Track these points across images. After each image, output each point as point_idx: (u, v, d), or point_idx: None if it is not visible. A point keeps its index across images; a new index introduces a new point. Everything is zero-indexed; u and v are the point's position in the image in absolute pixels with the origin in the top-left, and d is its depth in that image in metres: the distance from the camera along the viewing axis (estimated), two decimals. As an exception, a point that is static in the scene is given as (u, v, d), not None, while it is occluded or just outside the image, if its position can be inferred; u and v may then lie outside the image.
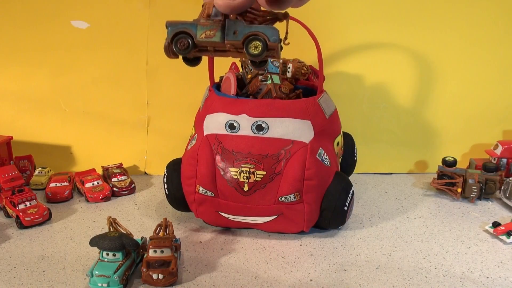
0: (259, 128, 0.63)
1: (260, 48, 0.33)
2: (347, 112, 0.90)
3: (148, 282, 0.54)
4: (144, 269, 0.53)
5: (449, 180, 0.81)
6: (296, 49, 0.85)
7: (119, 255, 0.54)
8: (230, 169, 0.62)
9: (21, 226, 0.68)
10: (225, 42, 0.33)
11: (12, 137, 0.85)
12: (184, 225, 0.71)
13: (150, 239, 0.57)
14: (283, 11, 0.34)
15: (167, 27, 0.33)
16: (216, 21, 0.33)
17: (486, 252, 0.63)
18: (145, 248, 0.59)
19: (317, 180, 0.62)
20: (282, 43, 0.35)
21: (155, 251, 0.55)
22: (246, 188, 0.62)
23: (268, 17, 0.35)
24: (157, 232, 0.59)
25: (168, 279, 0.53)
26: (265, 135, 0.63)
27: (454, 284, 0.55)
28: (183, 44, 0.34)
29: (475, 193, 0.79)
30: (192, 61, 0.36)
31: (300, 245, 0.65)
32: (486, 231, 0.69)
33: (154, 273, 0.53)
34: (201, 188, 0.64)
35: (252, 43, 0.33)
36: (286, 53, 0.78)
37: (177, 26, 0.34)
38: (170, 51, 0.34)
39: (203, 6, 0.34)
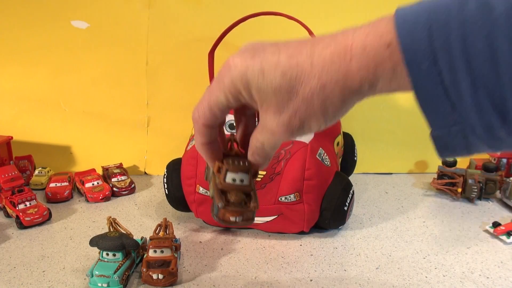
0: (259, 128, 0.63)
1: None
2: (347, 112, 0.90)
3: (148, 282, 0.54)
4: (144, 269, 0.53)
5: (449, 180, 0.81)
6: (296, 49, 0.85)
7: (119, 255, 0.54)
8: (230, 169, 0.62)
9: (21, 226, 0.68)
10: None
11: (12, 137, 0.85)
12: (184, 225, 0.71)
13: (150, 239, 0.57)
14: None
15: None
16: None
17: (486, 252, 0.63)
18: (145, 248, 0.59)
19: (317, 180, 0.62)
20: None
21: (155, 251, 0.55)
22: (246, 188, 0.62)
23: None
24: (157, 232, 0.59)
25: (168, 279, 0.53)
26: (265, 135, 0.63)
27: (454, 284, 0.55)
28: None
29: (475, 193, 0.79)
30: None
31: (300, 245, 0.65)
32: (486, 231, 0.69)
33: (154, 273, 0.53)
34: (201, 188, 0.64)
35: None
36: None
37: None
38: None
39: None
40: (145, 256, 0.55)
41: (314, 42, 0.28)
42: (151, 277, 0.53)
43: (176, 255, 0.56)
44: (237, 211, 0.35)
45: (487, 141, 0.25)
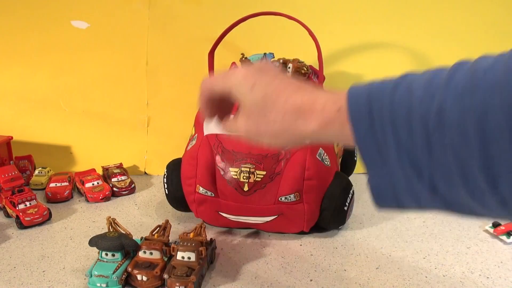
0: (259, 128, 0.63)
1: None
2: (347, 112, 0.90)
3: (133, 282, 0.53)
4: (129, 269, 0.53)
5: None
6: (296, 49, 0.85)
7: (118, 255, 0.54)
8: (230, 169, 0.62)
9: (21, 226, 0.68)
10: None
11: (12, 137, 0.85)
12: (184, 225, 0.71)
13: (145, 239, 0.57)
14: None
15: None
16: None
17: (486, 252, 0.63)
18: (144, 248, 0.58)
19: (317, 180, 0.62)
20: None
21: (144, 252, 0.55)
22: (246, 188, 0.62)
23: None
24: (153, 233, 0.59)
25: (152, 281, 0.52)
26: (265, 135, 0.63)
27: (454, 284, 0.55)
28: None
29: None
30: None
31: (300, 245, 0.65)
32: (486, 231, 0.69)
33: (139, 274, 0.52)
34: (201, 188, 0.64)
35: None
36: (286, 53, 0.78)
37: None
38: None
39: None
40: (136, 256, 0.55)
41: (298, 89, 0.36)
42: (136, 277, 0.52)
43: (165, 259, 0.55)
44: (180, 282, 0.50)
45: (410, 193, 0.31)
